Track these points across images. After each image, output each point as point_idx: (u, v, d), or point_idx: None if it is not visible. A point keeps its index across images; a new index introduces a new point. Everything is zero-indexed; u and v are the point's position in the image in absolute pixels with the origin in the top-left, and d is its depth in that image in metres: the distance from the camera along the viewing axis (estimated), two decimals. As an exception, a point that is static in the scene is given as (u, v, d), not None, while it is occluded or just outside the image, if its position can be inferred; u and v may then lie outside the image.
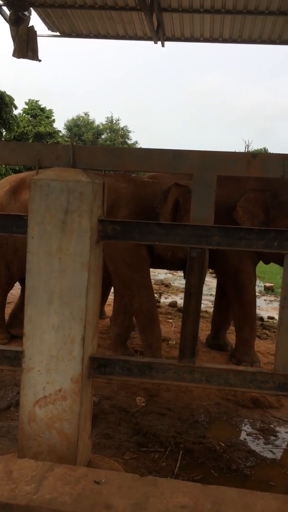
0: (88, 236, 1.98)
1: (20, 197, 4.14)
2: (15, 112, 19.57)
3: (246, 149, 32.95)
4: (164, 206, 3.94)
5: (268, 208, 4.03)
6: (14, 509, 1.53)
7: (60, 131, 29.81)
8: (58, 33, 6.90)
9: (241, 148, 33.83)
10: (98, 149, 2.17)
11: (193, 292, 2.14)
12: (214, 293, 5.39)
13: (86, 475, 1.60)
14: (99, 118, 41.42)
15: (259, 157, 2.04)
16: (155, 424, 3.18)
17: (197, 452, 2.88)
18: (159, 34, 6.38)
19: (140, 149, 2.10)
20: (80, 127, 34.31)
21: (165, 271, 9.36)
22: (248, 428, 3.31)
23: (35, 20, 6.43)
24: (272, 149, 37.14)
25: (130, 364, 2.16)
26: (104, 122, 35.86)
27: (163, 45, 6.74)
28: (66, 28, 6.80)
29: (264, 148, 35.20)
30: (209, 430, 3.21)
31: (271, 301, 7.98)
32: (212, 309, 5.31)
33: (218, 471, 2.73)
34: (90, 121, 35.12)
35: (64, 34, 6.90)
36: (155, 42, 6.59)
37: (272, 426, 3.34)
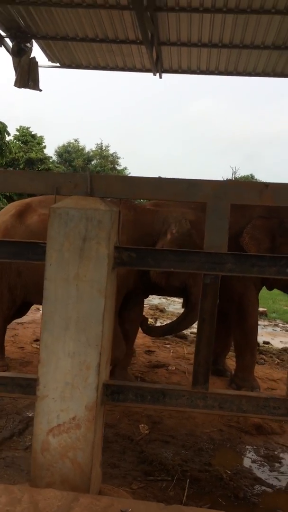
0: (106, 263, 2.01)
1: (26, 221, 4.18)
2: (7, 138, 19.94)
3: (234, 175, 33.46)
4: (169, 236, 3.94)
5: (275, 235, 4.08)
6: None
7: (51, 157, 30.10)
8: (58, 64, 7.07)
9: (228, 174, 34.38)
10: (114, 178, 2.23)
11: (206, 318, 2.17)
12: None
13: (111, 504, 1.59)
14: (89, 145, 41.94)
15: (271, 187, 2.11)
16: (160, 452, 3.15)
17: (204, 480, 2.85)
18: (158, 67, 6.56)
19: (155, 178, 2.16)
20: (70, 153, 34.68)
21: (159, 296, 9.36)
22: (252, 455, 3.29)
23: (36, 51, 6.59)
24: (258, 175, 37.83)
25: (144, 390, 2.16)
26: (93, 149, 36.34)
27: (160, 77, 6.93)
28: (66, 60, 6.96)
29: (251, 174, 35.87)
30: (214, 457, 3.19)
31: (265, 326, 8.01)
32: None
33: (226, 499, 2.70)
34: (80, 147, 35.53)
35: (64, 65, 7.07)
36: (154, 74, 6.78)
37: (276, 452, 3.33)
